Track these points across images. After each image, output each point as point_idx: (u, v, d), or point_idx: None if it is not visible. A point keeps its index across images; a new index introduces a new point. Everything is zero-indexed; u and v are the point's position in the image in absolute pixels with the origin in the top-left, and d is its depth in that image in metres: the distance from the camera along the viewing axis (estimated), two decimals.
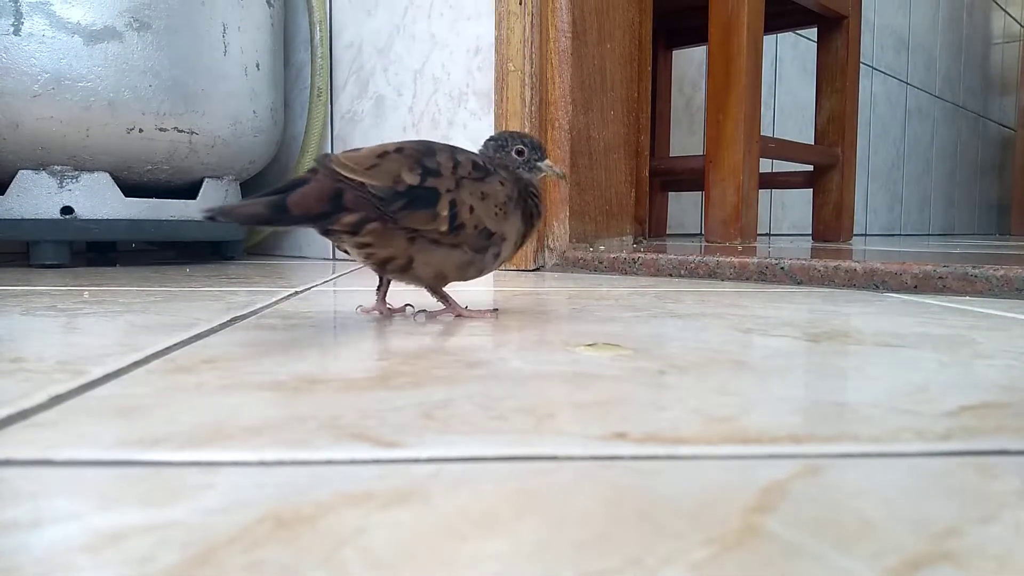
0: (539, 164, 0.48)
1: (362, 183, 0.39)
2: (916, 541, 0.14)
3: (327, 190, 0.39)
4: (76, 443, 0.21)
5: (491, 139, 0.48)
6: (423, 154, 0.42)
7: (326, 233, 0.41)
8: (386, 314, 0.47)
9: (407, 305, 0.48)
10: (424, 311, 0.47)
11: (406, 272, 0.43)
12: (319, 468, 0.19)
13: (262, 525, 0.15)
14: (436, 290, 0.46)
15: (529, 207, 0.47)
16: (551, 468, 0.19)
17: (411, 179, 0.40)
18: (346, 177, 0.39)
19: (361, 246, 0.41)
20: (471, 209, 0.42)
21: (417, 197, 0.40)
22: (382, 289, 0.47)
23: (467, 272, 0.44)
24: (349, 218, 0.39)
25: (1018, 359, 0.33)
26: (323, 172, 0.40)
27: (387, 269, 0.43)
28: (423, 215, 0.41)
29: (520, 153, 0.47)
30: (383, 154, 0.41)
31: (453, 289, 0.48)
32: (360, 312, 0.48)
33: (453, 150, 0.44)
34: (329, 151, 1.14)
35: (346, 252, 0.43)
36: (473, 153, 0.46)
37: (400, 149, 0.42)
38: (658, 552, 0.14)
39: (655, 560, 0.14)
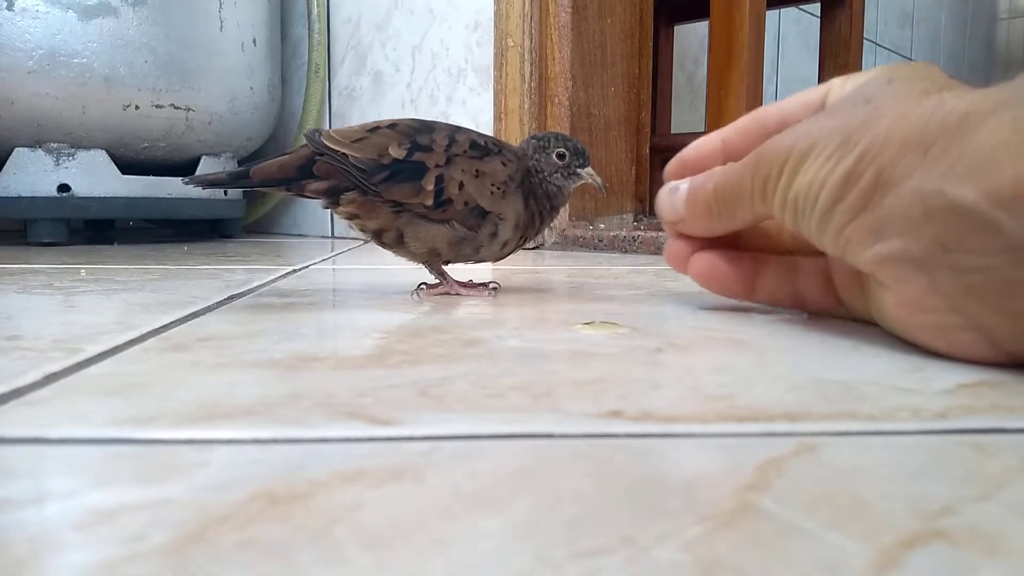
0: (579, 171, 0.46)
1: (344, 154, 0.40)
2: (910, 519, 0.14)
3: (296, 159, 0.41)
4: (70, 421, 0.21)
5: (534, 137, 0.47)
6: (417, 131, 0.42)
7: (325, 206, 0.43)
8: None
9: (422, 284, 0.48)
10: (422, 287, 0.47)
11: (399, 246, 0.44)
12: (313, 446, 0.19)
13: (255, 503, 0.15)
14: (433, 266, 0.46)
15: (542, 205, 0.46)
16: (546, 446, 0.19)
17: (397, 153, 0.41)
18: (330, 148, 0.40)
19: (350, 216, 0.43)
20: (460, 185, 0.42)
21: (401, 170, 0.41)
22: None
23: (462, 249, 0.44)
24: (316, 185, 0.41)
25: None
26: (308, 143, 0.41)
27: (383, 241, 0.44)
28: (406, 188, 0.41)
29: (561, 157, 0.46)
30: (374, 128, 0.42)
31: (453, 267, 0.48)
32: (411, 293, 0.47)
33: (455, 129, 0.44)
34: (327, 127, 1.13)
35: (350, 226, 0.45)
36: (481, 134, 0.45)
37: (394, 125, 0.42)
38: (651, 530, 0.14)
39: (648, 538, 0.14)
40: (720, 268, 0.38)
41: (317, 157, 0.41)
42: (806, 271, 0.37)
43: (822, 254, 0.36)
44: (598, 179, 0.47)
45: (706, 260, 0.38)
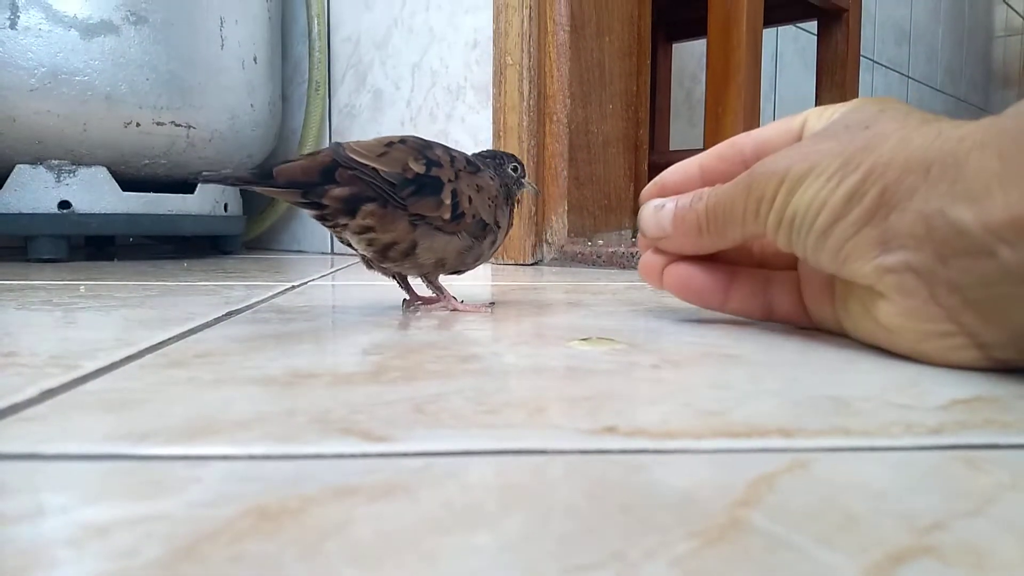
0: (523, 180, 0.51)
1: (375, 168, 0.40)
2: (900, 535, 0.14)
3: (319, 163, 0.40)
4: (66, 437, 0.21)
5: (487, 155, 0.51)
6: (424, 147, 0.43)
7: (323, 219, 0.41)
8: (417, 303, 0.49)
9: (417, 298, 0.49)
10: (419, 303, 0.48)
11: (407, 258, 0.43)
12: (306, 462, 0.19)
13: (247, 519, 0.15)
14: (432, 281, 0.46)
15: (511, 214, 0.50)
16: (539, 462, 0.19)
17: (418, 168, 0.42)
18: (359, 162, 0.40)
19: (363, 230, 0.41)
20: (469, 199, 0.44)
21: (424, 184, 0.42)
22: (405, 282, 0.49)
23: (466, 258, 0.46)
24: (338, 191, 0.40)
25: None
26: (328, 152, 0.40)
27: (388, 256, 0.43)
28: (430, 202, 0.42)
29: (515, 170, 0.51)
30: (390, 144, 0.42)
31: (449, 282, 0.48)
32: (411, 310, 0.48)
33: (445, 147, 0.46)
34: (327, 145, 1.14)
35: (347, 244, 0.43)
36: (460, 151, 0.47)
37: (403, 141, 0.43)
38: (641, 546, 0.14)
39: (637, 554, 0.14)
40: (695, 278, 0.40)
41: (340, 166, 0.40)
42: (777, 283, 0.39)
43: (792, 268, 0.39)
44: (534, 185, 0.54)
45: (681, 271, 0.40)
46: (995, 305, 0.27)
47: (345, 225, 0.41)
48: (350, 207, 0.40)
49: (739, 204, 0.34)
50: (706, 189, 0.37)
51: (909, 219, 0.28)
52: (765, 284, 0.39)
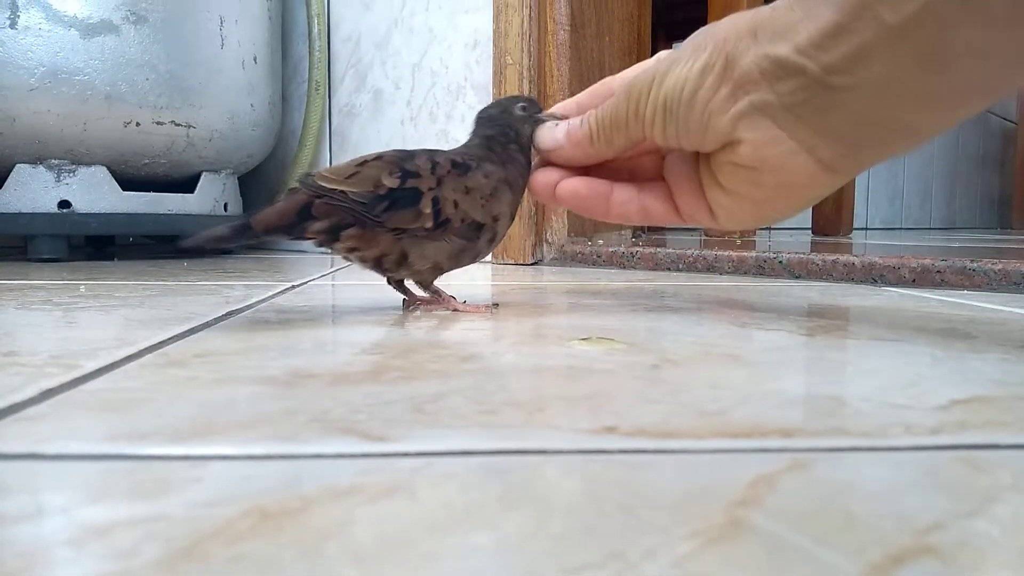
0: (536, 116, 0.48)
1: (343, 192, 0.40)
2: (900, 536, 0.14)
3: (295, 204, 0.41)
4: (66, 437, 0.21)
5: (490, 107, 0.49)
6: (403, 159, 0.44)
7: (319, 244, 0.43)
8: (416, 303, 0.48)
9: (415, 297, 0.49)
10: (419, 303, 0.48)
11: (402, 267, 0.44)
12: (306, 462, 0.19)
13: (247, 519, 0.15)
14: (428, 286, 0.46)
15: (522, 167, 0.48)
16: (539, 462, 0.19)
17: (391, 182, 0.42)
18: (327, 189, 0.41)
19: (349, 250, 0.43)
20: (455, 204, 0.43)
21: (399, 198, 0.42)
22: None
23: (462, 259, 0.46)
24: (318, 225, 0.41)
25: (1012, 353, 0.33)
26: (302, 188, 0.41)
27: (383, 266, 0.44)
28: (407, 214, 0.42)
29: (524, 109, 0.49)
30: (363, 163, 0.43)
31: (447, 282, 0.48)
32: (410, 310, 0.48)
33: (432, 152, 0.45)
34: (327, 144, 1.14)
35: (346, 258, 0.44)
36: (454, 151, 0.47)
37: (379, 157, 0.43)
38: (641, 546, 0.14)
39: (637, 554, 0.14)
40: (581, 191, 0.47)
41: (315, 199, 0.41)
42: (648, 192, 0.46)
43: (660, 179, 0.46)
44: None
45: (570, 185, 0.47)
46: (816, 115, 0.35)
47: (333, 248, 0.43)
48: (332, 235, 0.42)
49: (621, 109, 0.41)
50: (592, 110, 0.44)
51: (747, 69, 0.35)
52: (639, 193, 0.46)
